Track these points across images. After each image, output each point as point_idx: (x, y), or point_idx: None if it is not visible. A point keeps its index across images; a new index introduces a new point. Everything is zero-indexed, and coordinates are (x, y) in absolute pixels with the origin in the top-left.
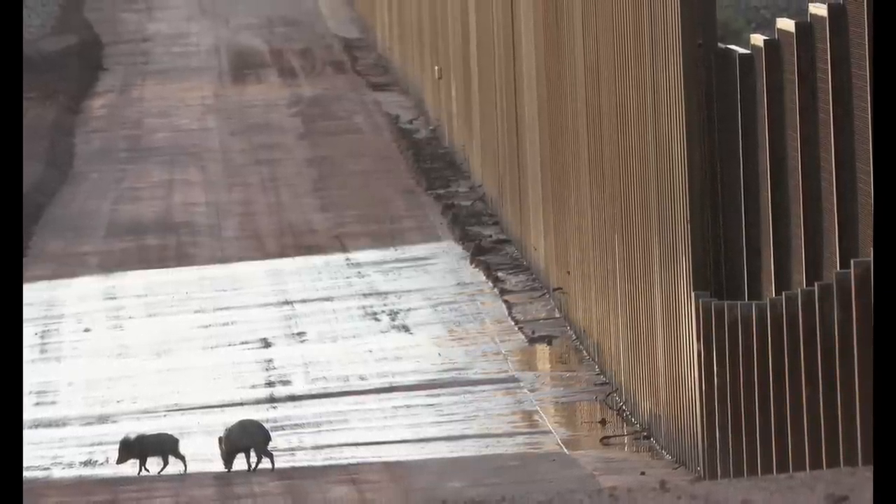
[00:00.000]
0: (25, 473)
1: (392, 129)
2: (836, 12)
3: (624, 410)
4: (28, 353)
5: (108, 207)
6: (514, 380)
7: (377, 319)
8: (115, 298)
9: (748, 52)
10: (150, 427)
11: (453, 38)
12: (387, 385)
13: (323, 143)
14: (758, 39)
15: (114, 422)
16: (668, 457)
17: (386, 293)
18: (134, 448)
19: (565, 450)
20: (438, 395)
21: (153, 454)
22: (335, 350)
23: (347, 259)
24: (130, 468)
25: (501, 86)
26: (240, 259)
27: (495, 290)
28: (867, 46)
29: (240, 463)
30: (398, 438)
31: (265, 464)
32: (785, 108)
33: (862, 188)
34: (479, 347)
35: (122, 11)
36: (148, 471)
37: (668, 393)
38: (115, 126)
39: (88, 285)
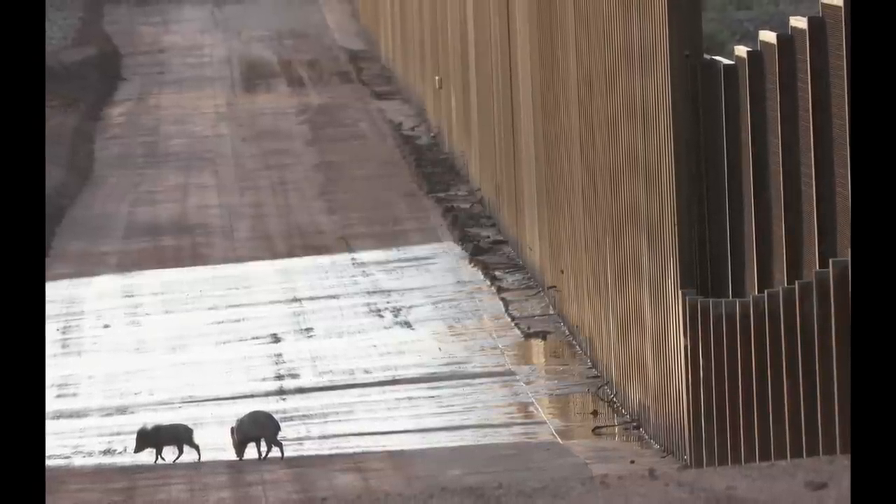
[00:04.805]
0: (48, 462)
1: (395, 136)
2: (815, 25)
3: (615, 402)
4: (50, 348)
5: (127, 210)
6: (510, 373)
7: (381, 316)
8: (132, 296)
9: (732, 62)
10: (165, 418)
11: (453, 50)
12: (390, 378)
13: (330, 149)
14: (741, 51)
15: (131, 413)
16: (656, 446)
17: (389, 291)
18: (150, 438)
19: (559, 439)
20: (439, 387)
21: (169, 443)
22: (341, 345)
23: (353, 259)
24: (147, 457)
25: (499, 95)
26: (251, 259)
27: (493, 288)
28: (845, 58)
29: (251, 452)
30: (401, 429)
31: (275, 453)
32: (767, 116)
33: (840, 192)
34: (477, 342)
35: (140, 24)
36: (164, 459)
37: (656, 385)
38: (133, 133)
39: (107, 284)
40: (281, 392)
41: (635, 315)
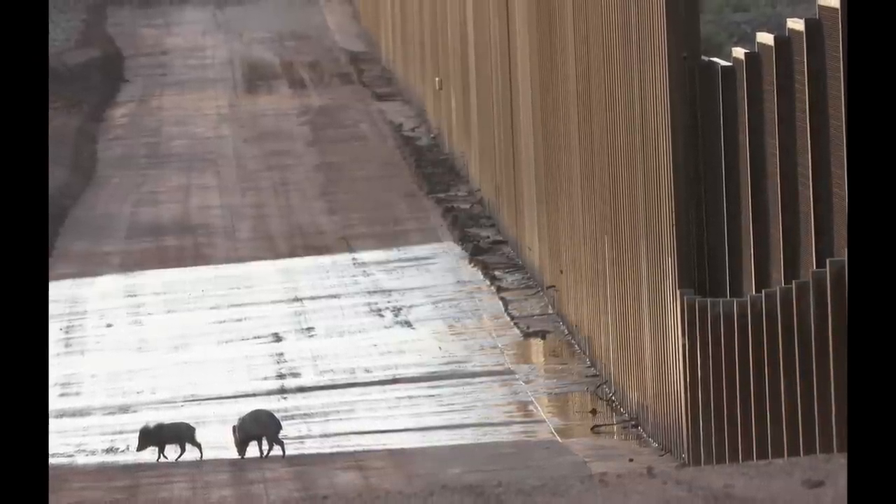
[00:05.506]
0: (51, 460)
1: (395, 137)
2: (812, 27)
3: (613, 401)
4: (53, 348)
5: (129, 210)
6: (510, 372)
7: (381, 315)
8: (135, 296)
9: (730, 64)
10: (168, 416)
11: (453, 51)
12: (390, 377)
13: (330, 149)
14: (739, 52)
15: (134, 412)
16: (654, 444)
17: (390, 291)
18: (153, 436)
19: (558, 438)
20: (439, 386)
21: (171, 442)
22: (342, 344)
23: (353, 259)
24: (150, 455)
25: (498, 96)
26: (253, 259)
27: (492, 287)
28: (842, 59)
29: (252, 450)
30: (401, 427)
31: (276, 451)
32: (764, 117)
33: (837, 192)
34: (477, 342)
35: (142, 26)
36: (166, 458)
37: (654, 384)
38: (136, 134)
39: (110, 283)
40: (282, 391)
41: (634, 314)
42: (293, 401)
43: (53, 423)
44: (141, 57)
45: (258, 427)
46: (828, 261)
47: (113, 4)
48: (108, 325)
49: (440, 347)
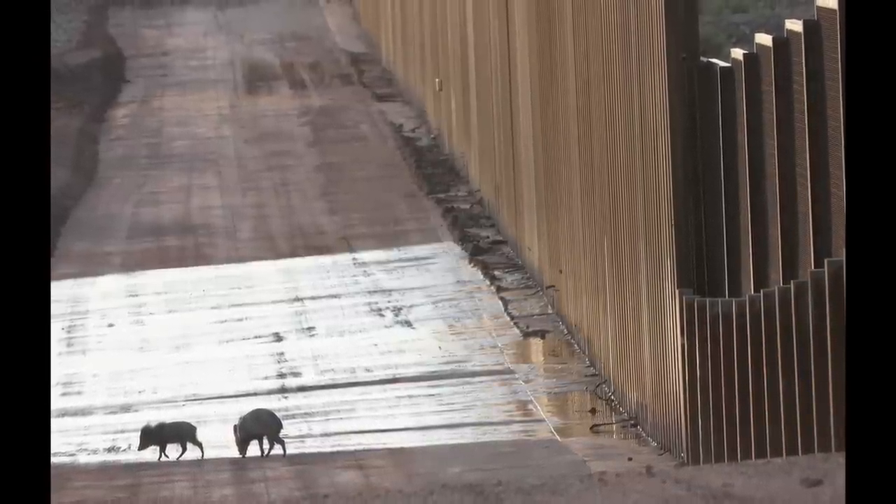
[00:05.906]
0: (53, 459)
1: (395, 138)
2: (810, 28)
3: (612, 400)
4: (55, 347)
5: (131, 210)
6: (509, 371)
7: (382, 315)
8: (136, 296)
9: (728, 65)
10: (169, 416)
11: (453, 52)
12: (391, 376)
13: (331, 150)
14: (737, 53)
15: (135, 411)
16: (653, 443)
17: (390, 290)
18: (154, 435)
19: (557, 437)
20: (439, 385)
21: (172, 441)
22: (342, 344)
23: (354, 259)
24: (151, 454)
25: (498, 97)
26: (253, 259)
27: (492, 287)
28: (840, 60)
29: (253, 449)
30: (401, 426)
31: (277, 450)
32: (763, 117)
33: (835, 192)
34: (477, 341)
35: (143, 27)
36: (167, 457)
37: (653, 384)
38: (137, 134)
39: (112, 283)
40: (283, 390)
41: (633, 314)
42: (294, 400)
43: (55, 423)
44: (142, 58)
45: (259, 426)
46: (826, 261)
47: (114, 5)
48: (110, 325)
49: (440, 347)
